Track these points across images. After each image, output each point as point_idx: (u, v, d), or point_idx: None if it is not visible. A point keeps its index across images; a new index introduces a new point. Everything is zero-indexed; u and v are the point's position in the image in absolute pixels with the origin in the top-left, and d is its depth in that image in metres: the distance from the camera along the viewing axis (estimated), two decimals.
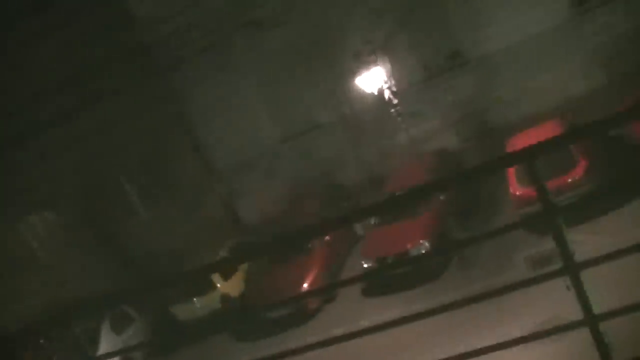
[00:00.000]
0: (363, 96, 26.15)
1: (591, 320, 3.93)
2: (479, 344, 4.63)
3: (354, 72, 25.93)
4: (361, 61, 25.70)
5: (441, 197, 21.13)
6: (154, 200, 31.49)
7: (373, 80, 25.40)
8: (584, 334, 4.05)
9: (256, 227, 29.00)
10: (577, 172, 18.74)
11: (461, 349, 4.73)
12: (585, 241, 15.50)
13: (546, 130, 19.00)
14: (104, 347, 22.62)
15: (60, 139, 28.31)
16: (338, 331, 18.34)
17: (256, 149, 28.62)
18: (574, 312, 4.11)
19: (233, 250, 25.56)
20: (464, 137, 25.72)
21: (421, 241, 20.22)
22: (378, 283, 20.63)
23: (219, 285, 24.01)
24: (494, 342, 4.49)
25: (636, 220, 16.73)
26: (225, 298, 23.94)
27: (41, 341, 26.87)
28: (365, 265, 20.94)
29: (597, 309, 3.94)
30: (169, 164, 30.09)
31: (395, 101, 24.58)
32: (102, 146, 28.92)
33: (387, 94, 25.12)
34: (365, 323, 18.51)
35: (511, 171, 19.19)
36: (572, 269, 3.85)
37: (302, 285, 21.59)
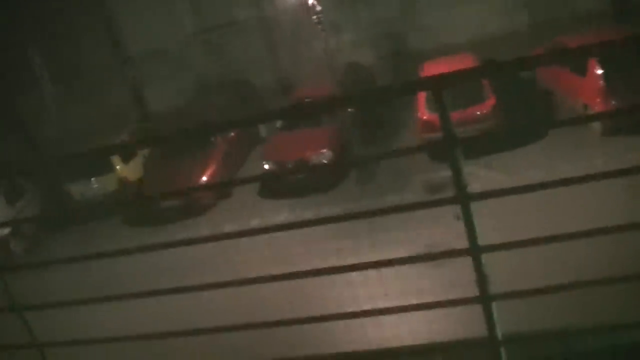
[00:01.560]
0: None
1: (475, 250, 4.05)
2: (361, 260, 4.73)
3: None
4: None
5: (348, 111, 21.23)
6: (62, 77, 30.82)
7: None
8: (466, 263, 4.17)
9: (161, 116, 28.75)
10: (485, 107, 19.05)
11: (343, 263, 4.81)
12: (480, 175, 15.91)
13: (460, 61, 19.20)
14: None
15: None
16: (229, 227, 18.58)
17: (170, 38, 28.17)
18: (460, 242, 4.22)
19: (135, 135, 25.30)
20: (379, 55, 25.79)
21: (323, 150, 20.34)
22: (275, 186, 20.72)
23: (117, 167, 23.80)
24: (379, 260, 4.58)
25: (532, 162, 17.18)
26: (122, 181, 23.76)
27: None
28: (265, 167, 20.99)
29: (481, 242, 4.05)
30: (82, 44, 29.40)
31: (318, 8, 24.35)
32: (16, 16, 28.07)
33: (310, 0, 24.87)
34: (256, 223, 18.69)
35: (421, 95, 19.35)
36: (463, 199, 3.94)
37: (200, 178, 21.58)
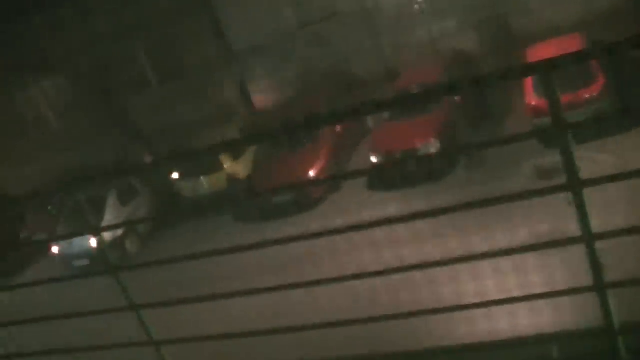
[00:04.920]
0: None
1: (588, 238, 3.95)
2: (475, 249, 4.67)
3: None
4: None
5: (455, 98, 21.03)
6: (169, 76, 31.40)
7: None
8: (580, 251, 4.08)
9: (268, 111, 29.00)
10: (594, 89, 18.55)
11: (457, 252, 4.77)
12: (593, 159, 15.54)
13: (568, 43, 18.80)
14: (108, 217, 22.89)
15: (81, 6, 28.16)
16: (339, 222, 18.63)
17: (274, 32, 28.35)
18: (573, 229, 4.13)
19: (243, 132, 25.60)
20: (483, 41, 25.43)
21: (431, 139, 20.19)
22: (384, 177, 20.68)
23: (226, 165, 24.12)
24: (490, 249, 4.52)
25: None
26: (231, 179, 24.07)
27: (49, 207, 27.25)
28: (373, 159, 20.95)
29: (595, 229, 3.96)
30: (187, 41, 29.89)
31: None
32: (122, 19, 28.71)
33: None
34: (367, 216, 18.65)
35: (528, 80, 19.02)
36: (575, 186, 3.85)
37: (309, 173, 21.71)
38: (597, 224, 3.97)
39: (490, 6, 25.02)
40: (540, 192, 4.09)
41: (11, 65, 30.19)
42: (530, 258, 10.13)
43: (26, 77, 32.09)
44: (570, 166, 3.80)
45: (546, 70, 3.70)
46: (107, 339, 6.61)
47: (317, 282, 5.10)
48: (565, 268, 10.24)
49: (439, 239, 14.63)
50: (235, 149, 23.94)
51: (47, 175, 30.16)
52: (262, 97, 29.89)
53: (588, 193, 3.92)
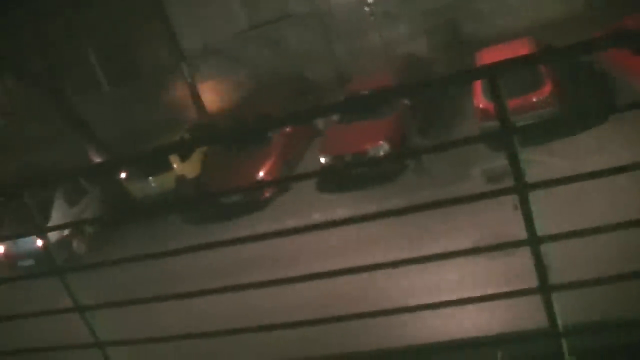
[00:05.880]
0: None
1: (533, 241, 3.99)
2: (421, 252, 4.69)
3: None
4: None
5: (405, 102, 21.13)
6: (120, 77, 31.23)
7: None
8: (525, 254, 4.12)
9: (218, 113, 28.94)
10: (542, 93, 18.76)
11: (403, 254, 4.78)
12: (539, 162, 15.73)
13: (516, 48, 18.99)
14: (55, 217, 22.65)
15: (33, 8, 27.84)
16: (289, 223, 18.63)
17: (224, 34, 28.29)
18: (518, 233, 4.17)
19: (193, 133, 25.50)
20: (434, 45, 25.62)
21: (380, 143, 20.26)
22: (333, 180, 20.73)
23: (175, 165, 24.01)
24: (436, 252, 4.55)
25: (592, 148, 16.91)
26: (180, 179, 23.97)
27: None
28: (322, 161, 21.00)
29: (540, 232, 4.00)
30: (139, 44, 29.76)
31: (370, 0, 24.27)
32: (74, 21, 28.47)
33: None
34: (316, 217, 18.70)
35: (477, 83, 19.18)
36: (521, 189, 3.89)
37: (258, 174, 21.70)
38: (546, 228, 4.02)
39: (441, 11, 25.24)
40: (488, 195, 4.12)
41: None
42: (477, 261, 10.21)
43: None
44: (516, 169, 3.84)
45: (493, 74, 3.73)
46: (54, 342, 6.54)
47: (271, 283, 5.10)
48: (510, 271, 10.38)
49: (384, 243, 14.71)
50: (184, 150, 23.88)
51: None
52: (213, 98, 29.82)
53: (538, 197, 3.96)
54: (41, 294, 12.36)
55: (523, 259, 4.48)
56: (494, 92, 3.76)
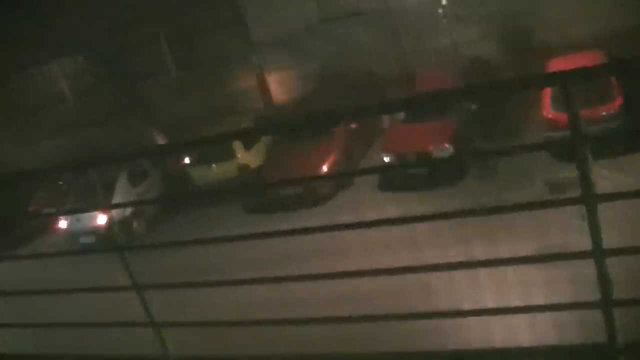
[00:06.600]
0: None
1: (598, 253, 3.92)
2: (482, 257, 4.63)
3: None
4: None
5: (471, 106, 20.98)
6: (187, 63, 31.46)
7: None
8: (589, 266, 4.04)
9: (283, 105, 29.00)
10: (613, 107, 18.48)
11: (462, 258, 4.73)
12: (607, 176, 15.46)
13: (587, 59, 18.72)
14: (118, 197, 22.90)
15: None
16: (346, 219, 18.59)
17: (295, 27, 28.31)
18: (583, 244, 4.10)
19: (258, 122, 25.59)
20: (504, 51, 25.34)
21: (444, 144, 20.14)
22: (394, 179, 20.63)
23: (238, 154, 24.15)
24: (497, 257, 4.49)
25: None
26: (242, 168, 24.10)
27: (60, 182, 27.36)
28: (385, 159, 20.92)
29: (606, 245, 3.92)
30: (207, 30, 29.91)
31: (443, 1, 24.11)
32: (146, 4, 28.78)
33: None
34: (374, 215, 18.60)
35: (547, 93, 18.99)
36: (590, 200, 3.82)
37: (320, 167, 21.67)
38: (606, 241, 3.95)
39: (513, 17, 24.94)
40: (554, 204, 4.07)
41: (34, 42, 30.27)
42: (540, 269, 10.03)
43: (48, 54, 32.16)
44: (586, 180, 3.77)
45: (566, 81, 3.67)
46: (109, 318, 6.61)
47: (324, 276, 5.08)
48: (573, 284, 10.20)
49: (439, 246, 14.57)
50: (247, 139, 24.00)
51: (61, 152, 30.31)
52: (279, 90, 29.91)
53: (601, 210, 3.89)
54: (96, 271, 12.47)
55: (577, 269, 4.40)
56: (566, 100, 3.70)
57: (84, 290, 6.23)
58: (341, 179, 22.24)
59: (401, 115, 22.13)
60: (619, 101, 18.55)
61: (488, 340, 10.08)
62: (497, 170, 19.18)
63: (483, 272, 6.53)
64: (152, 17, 29.27)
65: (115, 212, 21.23)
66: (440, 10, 24.16)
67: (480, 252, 13.65)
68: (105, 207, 19.50)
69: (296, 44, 28.54)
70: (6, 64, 31.75)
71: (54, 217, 24.48)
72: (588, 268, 4.10)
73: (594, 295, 4.06)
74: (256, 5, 28.75)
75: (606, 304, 4.02)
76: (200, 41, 30.29)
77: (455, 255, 13.99)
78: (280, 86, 29.87)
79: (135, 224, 23.49)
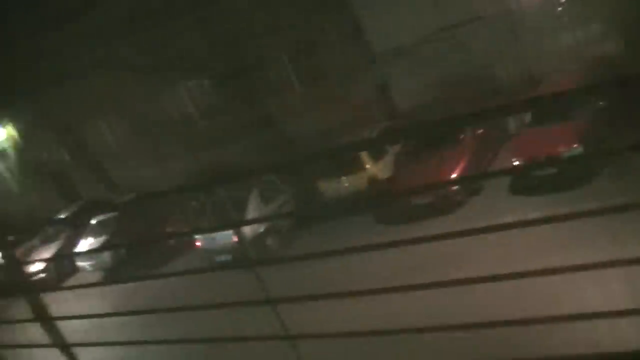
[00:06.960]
0: None
1: None
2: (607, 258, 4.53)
3: None
4: None
5: (601, 104, 20.51)
6: (311, 78, 31.80)
7: None
8: None
9: (409, 113, 28.98)
10: None
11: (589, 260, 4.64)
12: None
13: None
14: (251, 215, 23.27)
15: (224, 10, 28.83)
16: (481, 225, 18.42)
17: (415, 35, 28.28)
18: None
19: (384, 133, 25.66)
20: (631, 47, 24.63)
21: (574, 146, 19.76)
22: (525, 182, 20.37)
23: (368, 166, 24.27)
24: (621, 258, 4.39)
25: None
26: (372, 179, 24.20)
27: (193, 203, 28.05)
28: (515, 163, 20.68)
29: None
30: (328, 44, 30.18)
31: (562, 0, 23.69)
32: (264, 22, 29.26)
33: None
34: (509, 219, 18.37)
35: None
36: None
37: (451, 174, 21.59)
38: None
39: (637, 10, 24.24)
40: None
41: (158, 65, 31.13)
42: None
43: (172, 77, 33.02)
44: None
45: None
46: (247, 333, 6.73)
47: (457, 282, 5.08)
48: None
49: (588, 246, 14.23)
50: (375, 150, 24.11)
51: (191, 172, 31.04)
52: (402, 100, 29.90)
53: None
54: (230, 287, 12.72)
55: None
56: None
57: (220, 306, 6.36)
58: (472, 184, 22.04)
59: (528, 119, 21.86)
60: None
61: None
62: (633, 168, 18.65)
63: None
64: (272, 33, 29.74)
65: (248, 230, 21.60)
66: (559, 9, 23.72)
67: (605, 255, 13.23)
68: (236, 225, 19.80)
69: (417, 54, 28.51)
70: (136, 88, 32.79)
71: (190, 237, 25.04)
72: None
73: None
74: (375, 17, 28.84)
75: None
76: (321, 56, 30.58)
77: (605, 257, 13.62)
78: (403, 96, 29.85)
79: (269, 240, 23.82)
